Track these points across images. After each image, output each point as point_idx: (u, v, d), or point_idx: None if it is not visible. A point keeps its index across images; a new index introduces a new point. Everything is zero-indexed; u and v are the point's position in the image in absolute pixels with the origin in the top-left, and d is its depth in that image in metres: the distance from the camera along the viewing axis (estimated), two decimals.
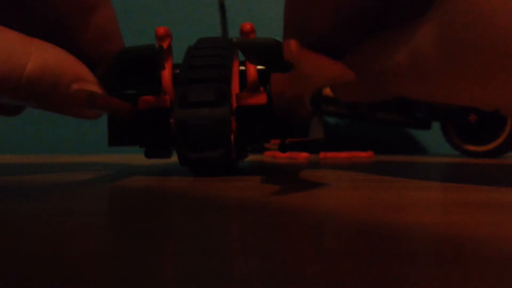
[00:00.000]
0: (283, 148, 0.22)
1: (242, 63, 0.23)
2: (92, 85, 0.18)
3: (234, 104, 0.21)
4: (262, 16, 0.59)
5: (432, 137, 0.54)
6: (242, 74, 0.23)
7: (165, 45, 0.21)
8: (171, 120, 0.21)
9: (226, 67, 0.21)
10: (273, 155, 0.42)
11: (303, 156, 0.40)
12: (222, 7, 0.41)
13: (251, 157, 0.41)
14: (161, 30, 0.21)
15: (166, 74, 0.21)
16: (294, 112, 0.20)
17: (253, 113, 0.21)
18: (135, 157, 0.40)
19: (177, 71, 0.22)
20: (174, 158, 0.28)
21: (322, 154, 0.41)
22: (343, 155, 0.41)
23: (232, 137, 0.20)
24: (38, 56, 0.16)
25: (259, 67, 0.22)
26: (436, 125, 0.46)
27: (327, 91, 0.42)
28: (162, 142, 0.21)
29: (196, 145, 0.19)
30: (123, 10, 0.59)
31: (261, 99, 0.20)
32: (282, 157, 0.41)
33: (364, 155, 0.42)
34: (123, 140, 0.21)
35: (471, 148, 0.43)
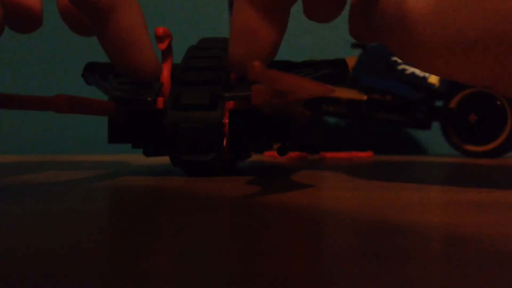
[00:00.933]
0: (281, 152, 0.22)
1: None
2: None
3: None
4: None
5: (432, 137, 0.54)
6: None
7: (164, 45, 0.21)
8: (164, 121, 0.21)
9: (223, 69, 0.21)
10: (273, 155, 0.42)
11: (303, 155, 0.40)
12: (231, 6, 0.40)
13: (251, 157, 0.41)
14: (160, 31, 0.20)
15: (165, 75, 0.21)
16: (290, 116, 0.20)
17: (246, 116, 0.20)
18: (135, 157, 0.40)
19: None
20: None
21: (322, 154, 0.41)
22: (343, 155, 0.41)
23: (225, 140, 0.20)
24: None
25: None
26: (436, 125, 0.46)
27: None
28: (156, 143, 0.21)
29: (188, 148, 0.19)
30: None
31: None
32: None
33: (364, 155, 0.42)
34: (122, 138, 0.21)
35: (471, 148, 0.43)
